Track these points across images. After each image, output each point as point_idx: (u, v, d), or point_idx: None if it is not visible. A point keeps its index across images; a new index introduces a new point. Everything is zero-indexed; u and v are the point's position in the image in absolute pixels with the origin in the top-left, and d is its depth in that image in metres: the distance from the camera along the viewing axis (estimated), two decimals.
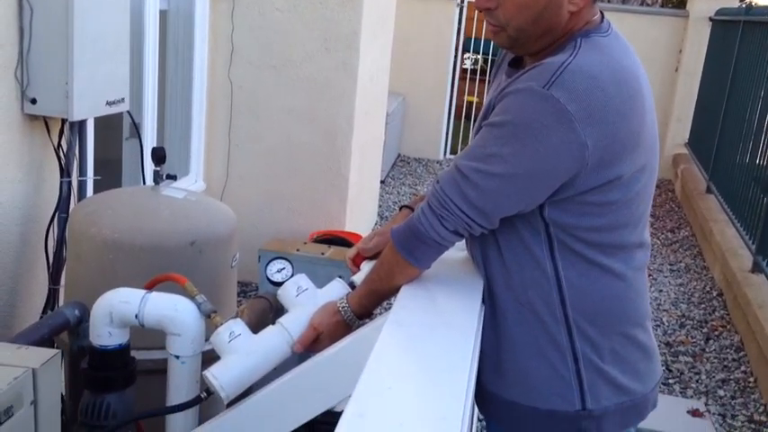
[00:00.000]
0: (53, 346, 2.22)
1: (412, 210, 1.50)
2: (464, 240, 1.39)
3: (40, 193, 2.40)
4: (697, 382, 3.44)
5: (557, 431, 1.32)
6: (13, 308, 2.33)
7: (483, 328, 1.31)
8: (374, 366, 1.00)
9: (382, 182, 6.34)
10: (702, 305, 4.39)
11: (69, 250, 2.16)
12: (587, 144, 1.16)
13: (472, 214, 1.24)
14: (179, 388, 1.41)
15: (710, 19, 7.23)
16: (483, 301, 1.32)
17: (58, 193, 2.37)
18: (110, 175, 3.25)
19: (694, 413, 3.11)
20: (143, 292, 1.42)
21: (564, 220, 1.25)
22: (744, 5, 6.23)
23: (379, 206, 5.62)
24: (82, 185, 2.50)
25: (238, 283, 3.87)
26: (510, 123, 1.19)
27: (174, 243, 2.02)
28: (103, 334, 1.41)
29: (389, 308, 1.27)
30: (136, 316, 1.39)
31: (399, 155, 7.90)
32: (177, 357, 1.41)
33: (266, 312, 1.78)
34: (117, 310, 1.40)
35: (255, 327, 1.77)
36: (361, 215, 4.51)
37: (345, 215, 3.93)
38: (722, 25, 6.81)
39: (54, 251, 2.38)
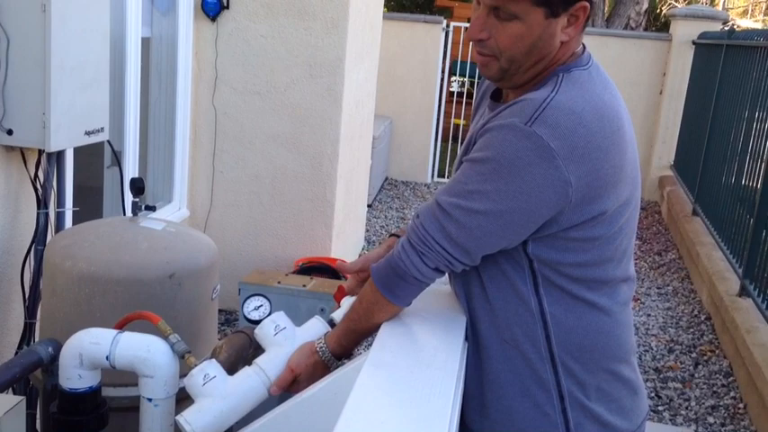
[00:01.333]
0: (28, 385, 2.17)
1: (398, 237, 1.47)
2: (447, 274, 1.36)
3: (16, 224, 2.35)
4: (686, 408, 3.40)
5: None
6: None
7: (466, 366, 1.27)
8: (350, 414, 0.96)
9: (369, 206, 6.31)
10: (691, 329, 4.37)
11: (44, 284, 2.11)
12: (570, 181, 1.13)
13: (453, 251, 1.21)
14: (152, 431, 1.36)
15: (694, 42, 7.31)
16: (466, 339, 1.29)
17: (35, 225, 2.32)
18: (91, 203, 3.20)
19: None
20: (114, 332, 1.37)
21: (548, 256, 1.22)
22: (726, 30, 6.29)
23: (367, 230, 5.59)
24: (60, 216, 2.45)
25: (223, 311, 3.84)
26: (492, 160, 1.16)
27: (152, 276, 1.97)
28: (73, 376, 1.36)
29: (371, 345, 1.23)
30: (107, 357, 1.34)
31: (387, 178, 7.89)
32: (150, 400, 1.36)
33: (245, 348, 1.73)
34: (87, 351, 1.35)
35: (234, 363, 1.73)
36: (347, 241, 4.47)
37: (331, 241, 3.89)
38: (705, 48, 6.88)
39: (30, 284, 2.32)
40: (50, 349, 1.76)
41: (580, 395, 1.26)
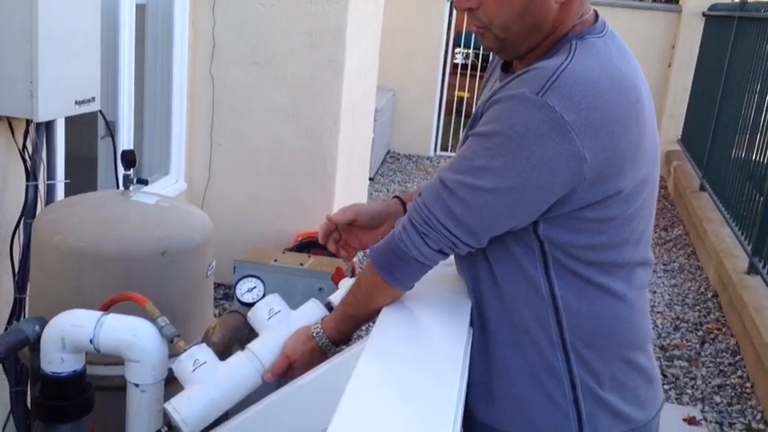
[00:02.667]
0: (18, 363, 2.10)
1: (402, 202, 1.39)
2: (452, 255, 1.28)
3: (4, 196, 2.27)
4: (693, 387, 3.35)
5: None
6: None
7: (471, 352, 1.20)
8: (347, 408, 0.88)
9: (371, 179, 6.22)
10: (697, 307, 4.30)
11: (33, 260, 2.04)
12: (585, 157, 1.04)
13: (458, 232, 1.13)
14: (139, 418, 1.29)
15: (704, 14, 7.14)
16: (471, 324, 1.21)
17: (23, 198, 2.24)
18: (85, 175, 3.12)
19: (690, 421, 3.02)
20: (98, 314, 1.30)
21: (560, 238, 1.14)
22: (738, 1, 6.13)
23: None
24: (51, 189, 2.37)
25: (221, 285, 3.77)
26: (500, 133, 1.07)
27: (143, 253, 1.90)
28: (55, 360, 1.29)
29: (371, 330, 1.15)
30: (90, 341, 1.27)
31: (389, 151, 7.78)
32: (137, 385, 1.29)
33: (240, 329, 1.65)
34: (69, 334, 1.28)
35: (228, 345, 1.66)
36: None
37: None
38: (716, 21, 6.71)
39: (20, 258, 2.25)
40: (37, 327, 1.69)
41: (593, 384, 1.19)
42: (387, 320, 1.17)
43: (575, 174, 1.05)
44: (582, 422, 1.19)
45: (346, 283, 1.36)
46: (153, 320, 1.30)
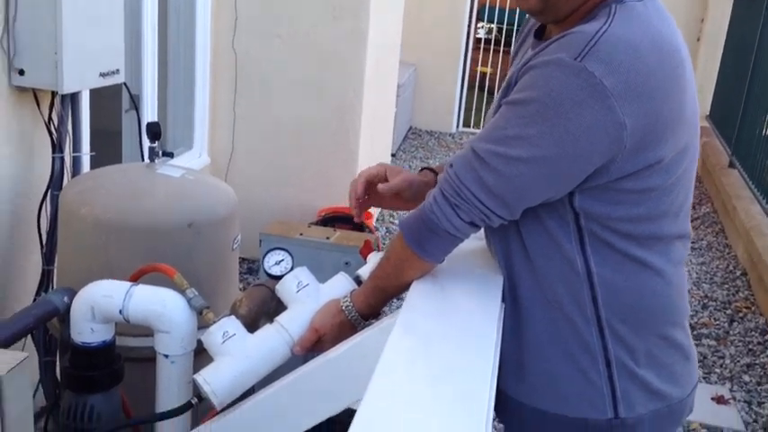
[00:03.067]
0: (47, 333, 2.12)
1: (433, 172, 1.36)
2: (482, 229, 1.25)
3: (31, 169, 2.28)
4: (721, 366, 3.31)
5: None
6: (6, 288, 2.23)
7: (503, 328, 1.17)
8: (380, 382, 0.87)
9: (393, 155, 6.18)
10: (726, 285, 4.24)
11: (60, 231, 2.05)
12: (625, 124, 1.01)
13: (491, 204, 1.10)
14: (169, 389, 1.29)
15: None
16: (503, 299, 1.19)
17: (50, 170, 2.25)
18: (110, 148, 3.12)
19: (719, 400, 2.98)
20: (128, 285, 1.29)
21: (596, 210, 1.11)
22: None
23: None
24: (76, 161, 2.37)
25: (245, 260, 3.78)
26: (535, 101, 1.04)
27: (170, 225, 1.90)
28: (85, 330, 1.29)
29: (401, 304, 1.14)
30: (120, 311, 1.26)
31: (411, 127, 7.72)
32: (166, 356, 1.28)
33: (267, 302, 1.65)
34: (99, 304, 1.28)
35: (255, 318, 1.65)
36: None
37: None
38: None
39: (47, 230, 2.26)
40: (66, 298, 1.70)
41: (628, 361, 1.16)
42: (417, 295, 1.15)
43: (614, 142, 1.02)
44: (616, 399, 1.17)
45: (375, 257, 1.34)
46: (182, 292, 1.30)
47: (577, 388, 1.17)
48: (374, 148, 4.25)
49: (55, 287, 2.18)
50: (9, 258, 2.23)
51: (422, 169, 1.40)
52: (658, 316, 1.18)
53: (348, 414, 1.22)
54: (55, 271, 2.23)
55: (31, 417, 1.04)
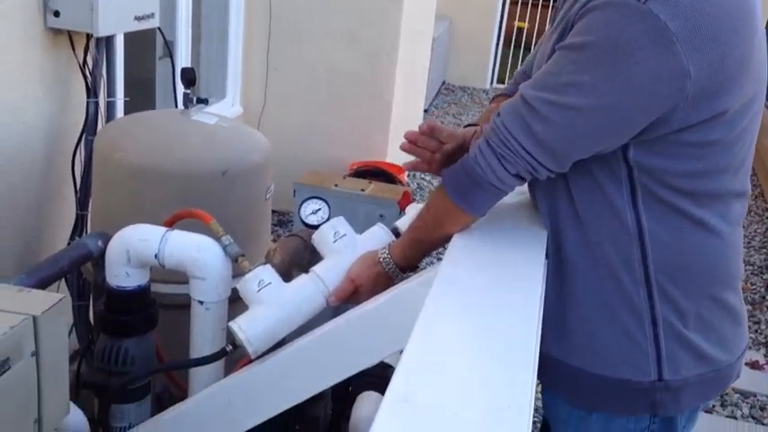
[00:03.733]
0: (80, 278, 2.14)
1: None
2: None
3: (65, 113, 2.27)
4: (756, 332, 3.25)
5: (627, 403, 1.16)
6: (40, 232, 2.25)
7: (545, 285, 1.13)
8: (422, 337, 0.84)
9: (425, 110, 6.09)
10: (764, 250, 4.14)
11: (94, 176, 2.05)
12: (689, 71, 0.95)
13: (539, 155, 1.05)
14: (203, 336, 1.28)
15: None
16: (546, 256, 1.15)
17: (84, 114, 2.24)
18: (143, 95, 3.11)
19: (753, 365, 2.94)
20: (163, 229, 1.27)
21: (652, 164, 1.05)
22: None
23: None
24: (111, 106, 2.36)
25: (276, 212, 3.77)
26: (593, 45, 0.98)
27: (204, 172, 1.88)
28: (120, 274, 1.28)
29: (440, 258, 1.10)
30: (155, 256, 1.25)
31: (444, 82, 7.60)
32: (201, 303, 1.27)
33: (300, 252, 1.63)
34: (134, 248, 1.26)
35: (288, 268, 1.64)
36: None
37: (387, 145, 3.74)
38: None
39: (82, 175, 2.26)
40: (100, 243, 1.70)
41: (677, 323, 1.12)
42: (458, 249, 1.12)
43: (677, 90, 0.96)
44: (661, 361, 1.13)
45: (414, 209, 1.30)
46: (217, 239, 1.28)
47: (620, 348, 1.14)
48: (407, 102, 4.18)
49: (89, 232, 2.20)
50: (43, 203, 2.24)
51: (466, 125, 1.35)
52: (711, 277, 1.13)
53: (382, 367, 1.21)
54: (89, 216, 2.24)
55: (66, 357, 1.04)
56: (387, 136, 3.74)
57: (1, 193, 2.04)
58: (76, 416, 1.29)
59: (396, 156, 3.95)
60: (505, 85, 7.60)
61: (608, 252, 1.11)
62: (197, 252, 1.25)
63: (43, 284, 1.59)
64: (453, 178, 1.14)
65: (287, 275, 1.60)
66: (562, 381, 1.20)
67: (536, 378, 1.21)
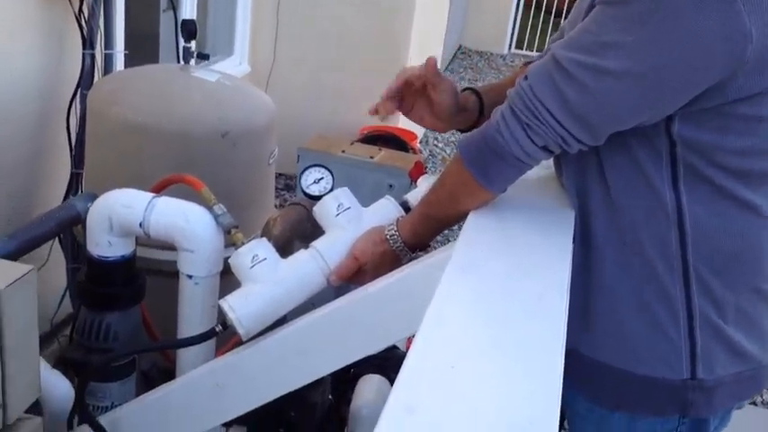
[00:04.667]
0: (74, 240, 2.04)
1: (477, 95, 1.19)
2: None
3: (60, 65, 2.15)
4: None
5: (654, 403, 1.06)
6: (33, 191, 2.15)
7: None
8: (430, 335, 0.73)
9: None
10: None
11: (88, 132, 1.94)
12: (751, 34, 0.82)
13: (571, 126, 0.92)
14: (192, 313, 1.18)
15: None
16: (573, 239, 1.03)
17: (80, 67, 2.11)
18: (146, 50, 2.98)
19: None
20: (149, 195, 1.16)
21: (699, 139, 0.93)
22: None
23: None
24: (108, 60, 2.23)
25: (282, 175, 3.65)
26: (639, 0, 0.84)
27: (203, 132, 1.77)
28: (102, 243, 1.17)
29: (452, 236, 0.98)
30: (140, 224, 1.14)
31: (460, 46, 7.39)
32: (190, 277, 1.16)
33: (302, 223, 1.52)
34: (117, 215, 1.15)
35: (289, 239, 1.53)
36: None
37: None
38: None
39: (77, 131, 2.15)
40: (89, 205, 1.59)
41: (714, 316, 1.00)
42: (475, 228, 1.00)
43: (735, 55, 0.83)
44: (695, 358, 1.02)
45: (426, 181, 1.18)
46: (209, 207, 1.16)
47: (650, 342, 1.03)
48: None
49: (83, 192, 2.09)
50: (37, 159, 2.14)
51: (464, 89, 1.22)
52: (756, 267, 1.02)
53: (386, 348, 1.10)
54: (84, 175, 2.13)
55: (35, 336, 0.94)
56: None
57: None
58: (64, 385, 1.20)
59: (408, 121, 3.82)
60: (524, 50, 7.39)
61: (641, 236, 1.00)
62: (186, 222, 1.14)
63: (28, 248, 1.49)
64: (472, 149, 1.01)
65: (287, 247, 1.50)
66: (584, 376, 1.09)
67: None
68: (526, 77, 0.96)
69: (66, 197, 2.18)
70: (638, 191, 0.98)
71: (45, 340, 2.18)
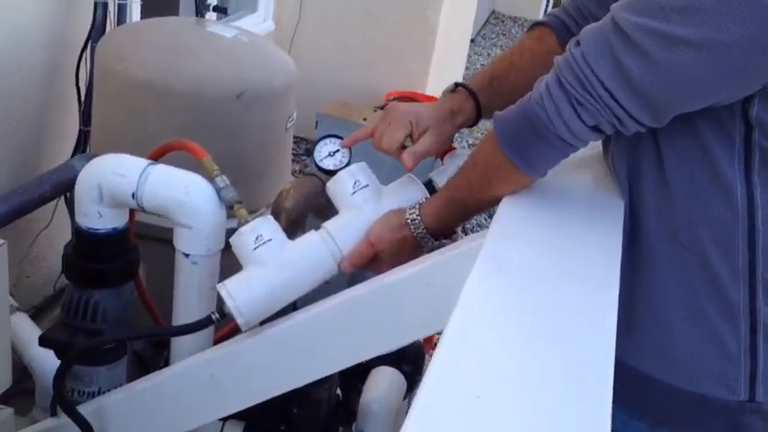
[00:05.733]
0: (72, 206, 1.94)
1: (469, 91, 1.08)
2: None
3: (71, 14, 2.03)
4: None
5: (702, 424, 0.94)
6: (40, 147, 2.05)
7: None
8: (453, 351, 0.60)
9: (472, 40, 5.70)
10: None
11: (95, 87, 1.83)
12: None
13: (631, 105, 0.78)
14: (188, 295, 1.06)
15: None
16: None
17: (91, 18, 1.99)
18: (166, 3, 2.85)
19: None
20: (145, 162, 1.04)
21: None
22: None
23: (466, 68, 5.06)
24: (122, 10, 2.11)
25: (303, 140, 3.52)
26: None
27: (216, 92, 1.65)
28: (91, 213, 1.05)
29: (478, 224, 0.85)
30: (133, 195, 1.02)
31: (493, 11, 7.14)
32: (187, 256, 1.05)
33: (317, 196, 1.40)
34: (108, 183, 1.03)
35: (301, 212, 1.41)
36: (445, 77, 4.00)
37: (428, 75, 3.45)
38: None
39: (86, 86, 2.04)
40: None
41: None
42: (509, 216, 0.87)
43: None
44: (755, 376, 0.89)
45: (456, 159, 1.05)
46: (210, 179, 1.04)
47: (704, 356, 0.90)
48: (453, 29, 3.86)
49: (90, 151, 1.99)
50: (44, 114, 2.03)
51: (456, 86, 1.10)
52: None
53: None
54: (91, 133, 2.03)
55: (6, 318, 0.83)
56: (428, 65, 3.44)
57: None
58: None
59: (436, 87, 3.66)
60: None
61: (701, 234, 0.87)
62: (184, 194, 1.02)
63: (20, 212, 1.39)
64: (509, 127, 0.88)
65: (299, 221, 1.38)
66: (623, 387, 0.96)
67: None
68: (578, 43, 0.82)
69: (73, 155, 2.08)
70: (701, 180, 0.85)
71: (47, 306, 2.10)
